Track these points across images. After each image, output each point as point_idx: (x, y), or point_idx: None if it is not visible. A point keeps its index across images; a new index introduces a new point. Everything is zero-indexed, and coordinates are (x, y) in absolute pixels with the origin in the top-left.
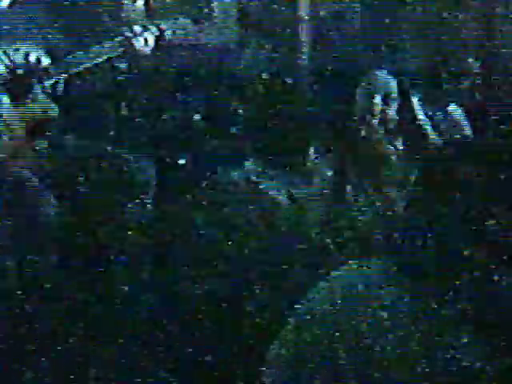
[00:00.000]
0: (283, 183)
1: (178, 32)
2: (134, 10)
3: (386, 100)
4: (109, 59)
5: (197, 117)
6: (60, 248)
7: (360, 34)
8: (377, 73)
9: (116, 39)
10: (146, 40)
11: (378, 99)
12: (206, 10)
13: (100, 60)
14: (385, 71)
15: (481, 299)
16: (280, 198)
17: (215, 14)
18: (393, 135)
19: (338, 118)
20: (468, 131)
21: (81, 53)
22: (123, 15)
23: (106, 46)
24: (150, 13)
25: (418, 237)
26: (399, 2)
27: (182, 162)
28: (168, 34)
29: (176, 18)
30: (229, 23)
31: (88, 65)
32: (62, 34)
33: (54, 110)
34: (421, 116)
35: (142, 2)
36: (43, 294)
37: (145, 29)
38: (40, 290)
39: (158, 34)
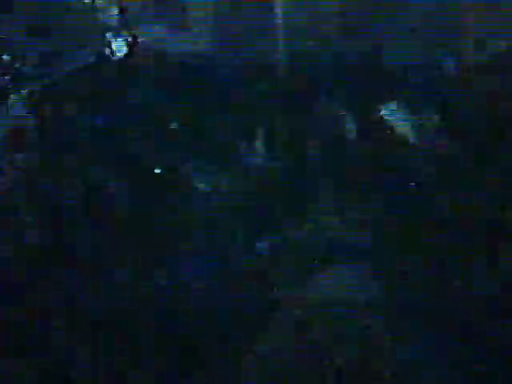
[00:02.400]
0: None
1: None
2: (108, 17)
3: None
4: (84, 66)
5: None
6: None
7: None
8: None
9: (91, 46)
10: (120, 47)
11: None
12: (181, 18)
13: (75, 67)
14: None
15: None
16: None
17: (190, 22)
18: None
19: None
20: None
21: (56, 60)
22: (98, 22)
23: (81, 53)
24: (124, 20)
25: None
26: None
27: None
28: (142, 40)
29: (151, 26)
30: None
31: (63, 73)
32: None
33: (30, 120)
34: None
35: (117, 10)
36: None
37: (119, 36)
38: None
39: (132, 41)
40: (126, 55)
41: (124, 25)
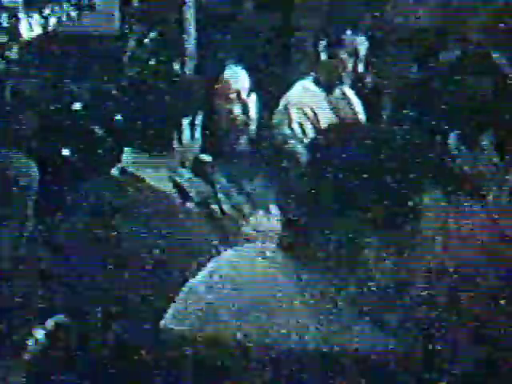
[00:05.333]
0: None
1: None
2: None
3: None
4: None
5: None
6: None
7: None
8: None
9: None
10: (30, 27)
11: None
12: None
13: None
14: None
15: None
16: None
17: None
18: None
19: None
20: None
21: None
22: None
23: None
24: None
25: None
26: None
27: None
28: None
29: (60, 5)
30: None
31: None
32: None
33: None
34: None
35: None
36: None
37: (28, 16)
38: None
39: (42, 21)
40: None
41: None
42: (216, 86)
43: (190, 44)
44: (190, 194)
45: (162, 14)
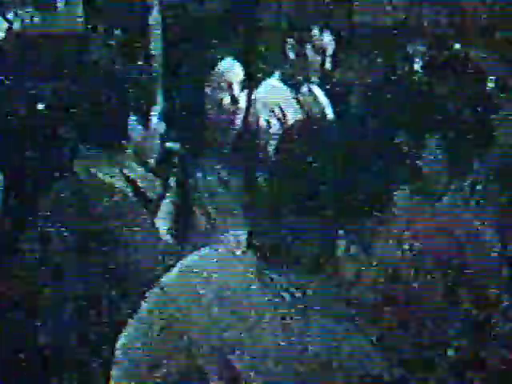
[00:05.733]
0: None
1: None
2: None
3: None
4: None
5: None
6: None
7: None
8: None
9: None
10: None
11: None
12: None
13: None
14: None
15: None
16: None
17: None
18: None
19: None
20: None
21: None
22: None
23: None
24: None
25: None
26: None
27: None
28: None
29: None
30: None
31: None
32: None
33: None
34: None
35: None
36: None
37: None
38: None
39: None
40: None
41: None
42: (210, 77)
43: (157, 43)
44: (142, 190)
45: (126, 13)
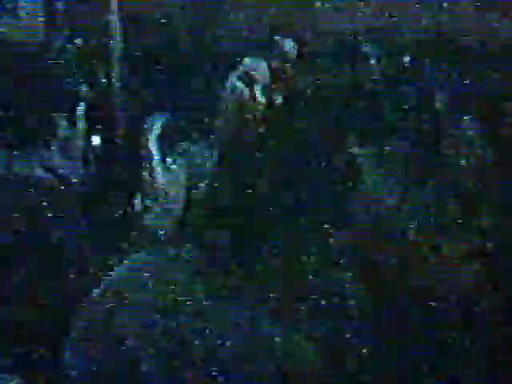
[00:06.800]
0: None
1: None
2: None
3: None
4: None
5: None
6: None
7: None
8: None
9: None
10: None
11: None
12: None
13: None
14: None
15: None
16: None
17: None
18: None
19: None
20: None
21: None
22: None
23: None
24: None
25: None
26: None
27: None
28: None
29: None
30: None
31: None
32: None
33: None
34: None
35: None
36: None
37: None
38: None
39: None
40: None
41: None
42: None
43: (117, 49)
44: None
45: (87, 19)
